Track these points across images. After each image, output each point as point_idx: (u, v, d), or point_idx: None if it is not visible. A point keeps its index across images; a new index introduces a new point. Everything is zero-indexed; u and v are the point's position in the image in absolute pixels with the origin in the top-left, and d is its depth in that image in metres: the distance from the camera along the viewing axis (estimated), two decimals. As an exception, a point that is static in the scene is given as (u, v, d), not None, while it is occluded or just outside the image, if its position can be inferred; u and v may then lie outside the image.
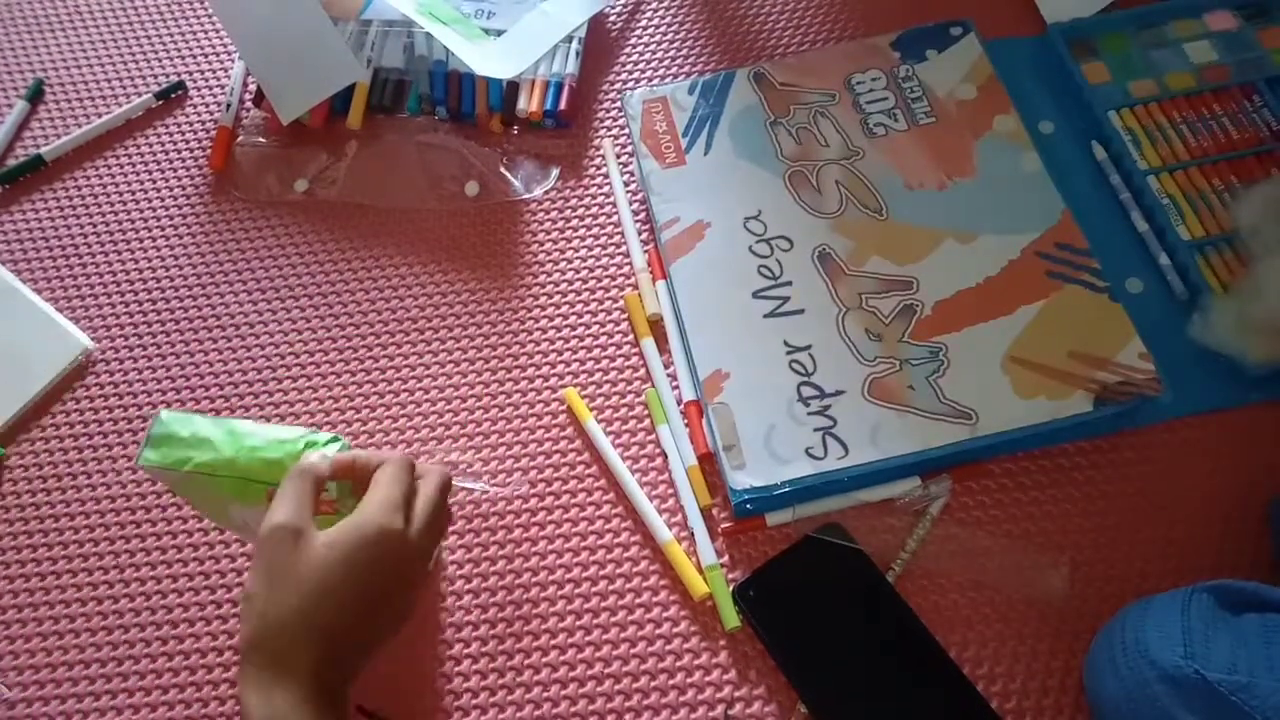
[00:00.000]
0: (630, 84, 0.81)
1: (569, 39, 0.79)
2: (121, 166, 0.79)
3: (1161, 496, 0.62)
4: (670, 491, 0.64)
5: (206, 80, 0.83)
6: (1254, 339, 0.63)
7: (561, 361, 0.69)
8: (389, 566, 0.49)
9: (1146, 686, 0.49)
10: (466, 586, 0.62)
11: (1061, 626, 0.59)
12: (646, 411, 0.67)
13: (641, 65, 0.82)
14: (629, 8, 0.85)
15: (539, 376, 0.69)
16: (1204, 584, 0.52)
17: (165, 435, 0.52)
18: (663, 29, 0.84)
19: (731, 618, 0.59)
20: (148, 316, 0.73)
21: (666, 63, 0.82)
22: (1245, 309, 0.63)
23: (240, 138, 0.79)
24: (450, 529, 0.63)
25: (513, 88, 0.78)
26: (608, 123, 0.79)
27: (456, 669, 0.60)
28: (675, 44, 0.83)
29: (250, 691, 0.46)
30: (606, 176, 0.77)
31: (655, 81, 0.81)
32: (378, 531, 0.48)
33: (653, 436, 0.66)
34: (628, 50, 0.83)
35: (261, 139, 0.79)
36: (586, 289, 0.72)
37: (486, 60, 0.74)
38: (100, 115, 0.81)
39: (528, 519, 0.64)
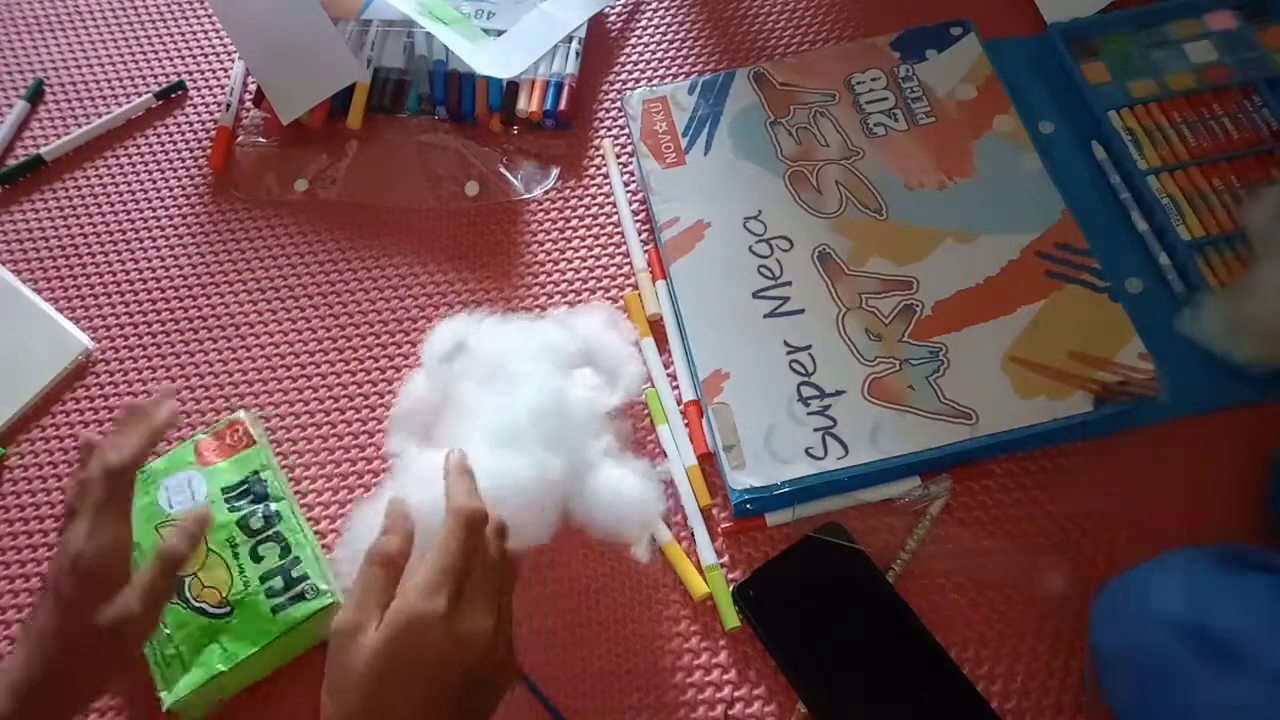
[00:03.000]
0: (630, 84, 0.81)
1: (569, 39, 0.79)
2: (121, 166, 0.79)
3: (1161, 496, 0.62)
4: (670, 491, 0.64)
5: (206, 80, 0.83)
6: (1242, 339, 0.63)
7: (561, 361, 0.69)
8: (432, 658, 0.42)
9: (1147, 634, 0.50)
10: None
11: (1061, 626, 0.59)
12: (646, 411, 0.67)
13: (641, 65, 0.82)
14: (629, 8, 0.85)
15: (539, 376, 0.69)
16: (1208, 545, 0.53)
17: None
18: (663, 29, 0.84)
19: (731, 618, 0.59)
20: (148, 316, 0.73)
21: (666, 63, 0.82)
22: (1236, 308, 0.64)
23: (240, 138, 0.79)
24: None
25: (513, 88, 0.78)
26: (608, 123, 0.79)
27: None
28: (675, 44, 0.83)
29: None
30: (606, 176, 0.77)
31: (655, 81, 0.81)
32: (407, 622, 0.42)
33: (653, 436, 0.66)
34: (628, 50, 0.83)
35: (261, 139, 0.79)
36: (586, 289, 0.72)
37: (486, 60, 0.74)
38: (100, 115, 0.81)
39: (528, 519, 0.64)
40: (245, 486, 0.62)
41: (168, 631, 0.57)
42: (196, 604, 0.58)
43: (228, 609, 0.58)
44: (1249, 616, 0.48)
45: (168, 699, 0.56)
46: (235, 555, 0.59)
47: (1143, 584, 0.53)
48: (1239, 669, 0.47)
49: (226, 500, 0.61)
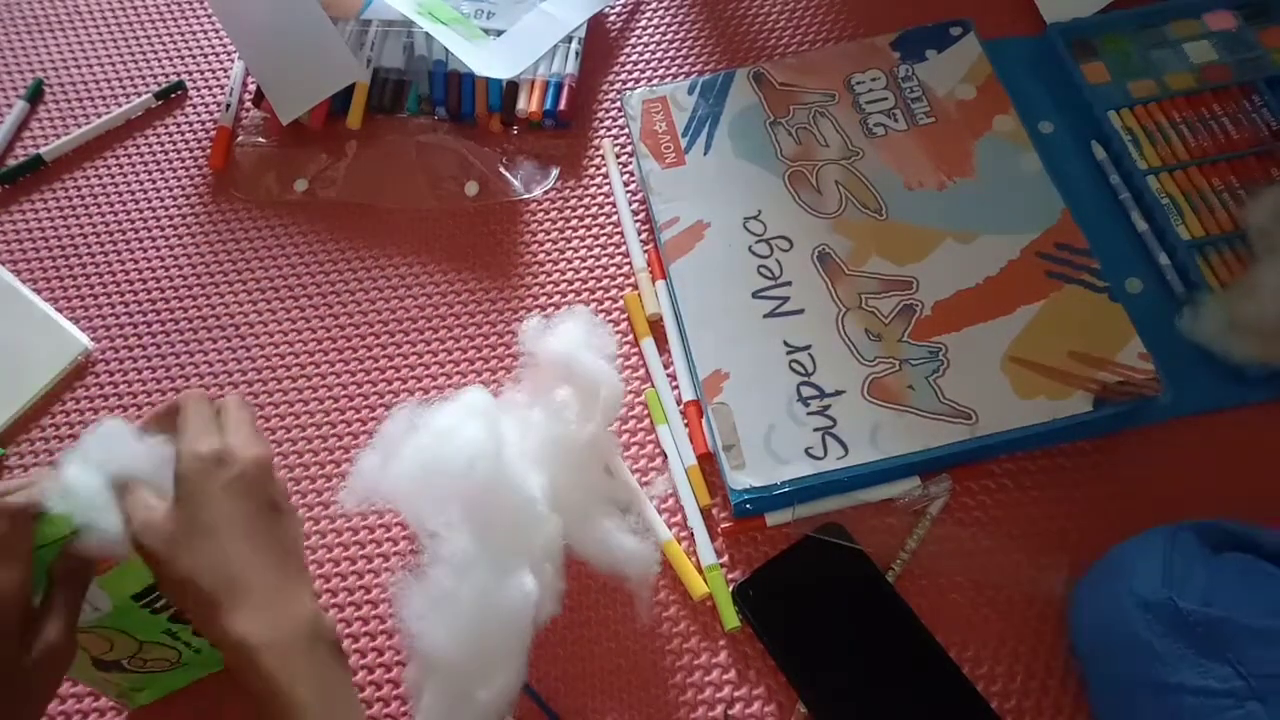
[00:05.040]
0: (630, 84, 0.81)
1: (569, 39, 0.79)
2: (121, 166, 0.79)
3: (1161, 496, 0.62)
4: (670, 491, 0.64)
5: (206, 80, 0.83)
6: (1241, 338, 0.63)
7: (561, 361, 0.69)
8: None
9: (1122, 610, 0.51)
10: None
11: (1061, 626, 0.59)
12: (646, 411, 0.67)
13: (641, 65, 0.82)
14: (629, 8, 0.85)
15: (539, 376, 0.69)
16: (1189, 522, 0.54)
17: None
18: (663, 29, 0.84)
19: (731, 618, 0.59)
20: (147, 316, 0.73)
21: (666, 63, 0.82)
22: (1236, 308, 0.64)
23: (240, 138, 0.79)
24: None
25: (512, 88, 0.78)
26: (607, 123, 0.79)
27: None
28: (675, 44, 0.83)
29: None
30: (606, 176, 0.77)
31: (655, 81, 0.81)
32: (255, 460, 0.46)
33: (653, 436, 0.66)
34: (628, 50, 0.83)
35: (261, 139, 0.79)
36: (586, 289, 0.72)
37: (486, 60, 0.74)
38: (100, 115, 0.81)
39: (528, 519, 0.64)
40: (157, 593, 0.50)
41: (119, 682, 0.55)
42: (147, 670, 0.55)
43: (183, 665, 0.56)
44: (1220, 599, 0.49)
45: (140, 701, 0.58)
46: (176, 637, 0.54)
47: (1121, 564, 0.54)
48: (1211, 649, 0.48)
49: (144, 606, 0.50)
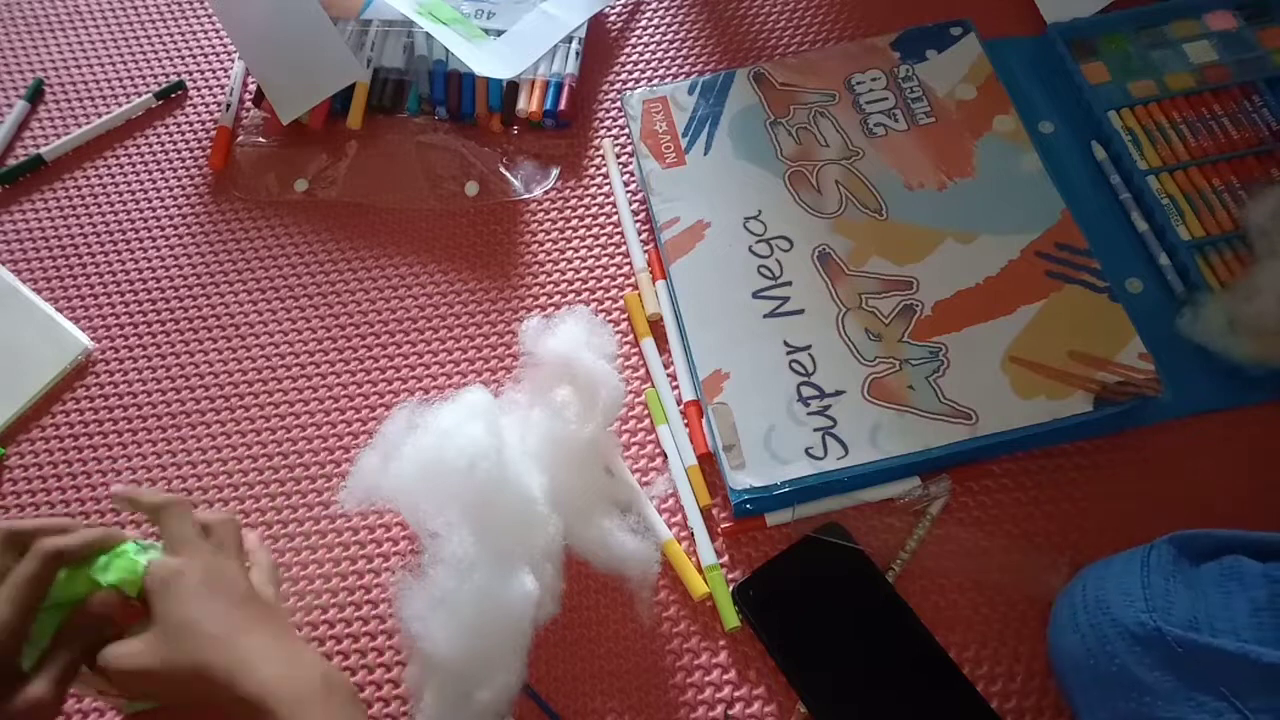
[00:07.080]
0: (630, 84, 0.81)
1: (569, 39, 0.79)
2: (121, 166, 0.79)
3: (1161, 496, 0.62)
4: (670, 491, 0.64)
5: (206, 80, 0.83)
6: (1241, 338, 0.63)
7: (561, 361, 0.69)
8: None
9: (1106, 644, 0.50)
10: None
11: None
12: (646, 411, 0.67)
13: (641, 65, 0.82)
14: (629, 8, 0.85)
15: (539, 376, 0.69)
16: (1164, 537, 0.53)
17: None
18: (663, 29, 0.84)
19: (731, 618, 0.59)
20: (148, 316, 0.73)
21: (666, 63, 0.82)
22: (1237, 308, 0.64)
23: (240, 138, 0.79)
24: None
25: (513, 88, 0.78)
26: (608, 123, 0.79)
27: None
28: (675, 44, 0.83)
29: None
30: (606, 176, 0.77)
31: (655, 81, 0.81)
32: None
33: (653, 436, 0.66)
34: (628, 50, 0.83)
35: (261, 139, 0.79)
36: (586, 289, 0.72)
37: (486, 60, 0.74)
38: (100, 115, 0.81)
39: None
40: None
41: None
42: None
43: None
44: (1205, 617, 0.47)
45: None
46: None
47: (1099, 591, 0.52)
48: (1203, 681, 0.46)
49: None
